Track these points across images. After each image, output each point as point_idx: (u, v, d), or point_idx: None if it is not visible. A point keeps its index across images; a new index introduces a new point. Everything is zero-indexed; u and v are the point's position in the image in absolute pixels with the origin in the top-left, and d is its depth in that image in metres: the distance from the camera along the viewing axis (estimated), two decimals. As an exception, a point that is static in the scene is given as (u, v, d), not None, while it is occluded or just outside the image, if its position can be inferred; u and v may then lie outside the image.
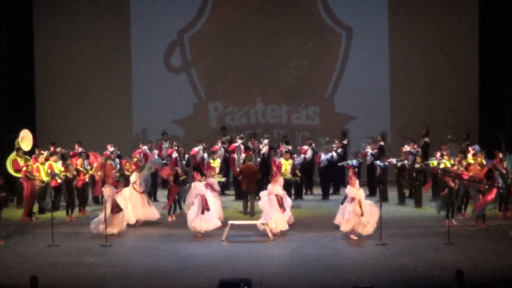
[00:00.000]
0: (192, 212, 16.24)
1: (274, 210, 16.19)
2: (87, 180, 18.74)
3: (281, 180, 17.50)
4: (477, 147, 19.89)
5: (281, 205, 16.36)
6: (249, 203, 18.40)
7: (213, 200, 17.09)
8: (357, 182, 16.16)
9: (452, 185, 17.13)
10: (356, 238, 15.76)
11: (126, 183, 18.07)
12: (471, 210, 17.90)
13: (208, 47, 24.23)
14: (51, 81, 23.73)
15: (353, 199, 15.85)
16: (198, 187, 16.44)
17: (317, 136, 23.55)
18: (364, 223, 15.77)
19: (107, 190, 16.33)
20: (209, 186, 17.25)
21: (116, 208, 16.37)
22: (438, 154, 19.60)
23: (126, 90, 24.03)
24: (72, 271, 13.62)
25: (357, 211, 15.72)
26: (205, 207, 16.13)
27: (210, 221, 16.20)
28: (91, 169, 19.08)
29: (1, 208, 16.82)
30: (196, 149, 20.89)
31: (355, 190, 15.98)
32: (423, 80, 23.94)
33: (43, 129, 23.04)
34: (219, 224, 16.33)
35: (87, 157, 19.73)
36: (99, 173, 18.02)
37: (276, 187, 16.50)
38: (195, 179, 16.69)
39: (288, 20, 23.99)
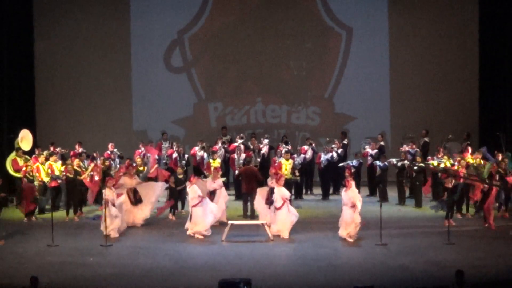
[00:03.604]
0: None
1: (281, 212, 16.15)
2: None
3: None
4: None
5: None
6: (249, 205, 18.32)
7: (218, 201, 17.09)
8: (353, 184, 16.08)
9: (450, 186, 17.15)
10: (351, 240, 15.70)
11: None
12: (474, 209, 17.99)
13: (208, 47, 24.24)
14: (51, 81, 23.74)
15: (352, 205, 15.74)
16: (194, 189, 16.38)
17: (317, 136, 23.55)
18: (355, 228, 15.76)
19: (106, 193, 16.21)
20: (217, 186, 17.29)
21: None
22: (439, 154, 19.62)
23: (126, 90, 24.03)
24: (72, 271, 13.61)
25: (357, 219, 15.67)
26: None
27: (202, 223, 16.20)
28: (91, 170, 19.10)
29: (1, 208, 16.83)
30: (196, 148, 20.91)
31: (351, 193, 15.86)
32: (423, 80, 23.95)
33: (43, 129, 23.06)
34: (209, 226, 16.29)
35: (87, 157, 19.74)
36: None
37: (281, 189, 16.37)
38: (191, 182, 16.58)
39: (288, 20, 24.00)
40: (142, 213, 17.48)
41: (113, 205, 16.17)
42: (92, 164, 18.86)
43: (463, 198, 18.10)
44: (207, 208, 16.24)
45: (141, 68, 24.00)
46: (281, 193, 16.27)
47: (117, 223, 16.23)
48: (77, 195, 18.47)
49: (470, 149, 19.64)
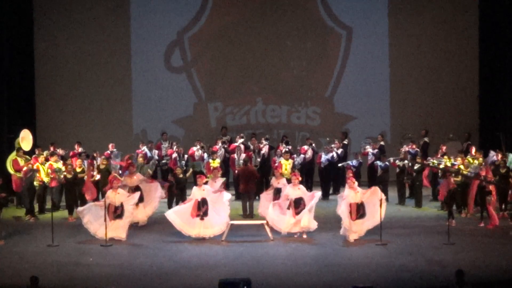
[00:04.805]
0: (183, 215, 16.11)
1: (286, 213, 16.09)
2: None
3: (283, 181, 17.43)
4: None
5: (295, 207, 16.05)
6: (248, 204, 18.32)
7: (221, 204, 16.47)
8: (355, 184, 16.09)
9: (451, 186, 17.18)
10: (351, 240, 15.71)
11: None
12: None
13: (208, 47, 24.23)
14: (51, 81, 23.73)
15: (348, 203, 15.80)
16: (193, 191, 16.26)
17: (317, 136, 23.54)
18: (354, 230, 15.73)
19: (108, 195, 16.10)
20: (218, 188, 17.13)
21: (113, 214, 15.97)
22: (439, 154, 19.64)
23: (126, 90, 24.03)
24: (72, 271, 13.62)
25: (352, 224, 15.70)
26: (196, 213, 15.94)
27: (203, 227, 15.96)
28: (91, 170, 19.13)
29: (1, 208, 16.83)
30: (194, 148, 20.91)
31: (353, 193, 15.88)
32: (423, 80, 23.96)
33: (43, 129, 23.06)
34: (216, 232, 16.01)
35: (87, 157, 19.75)
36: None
37: (294, 191, 16.23)
38: (198, 184, 16.37)
39: (288, 20, 24.00)
40: (144, 212, 17.41)
41: (116, 207, 16.02)
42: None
43: (466, 198, 18.09)
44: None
45: (141, 68, 24.00)
46: (287, 192, 16.25)
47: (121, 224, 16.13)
48: (75, 195, 18.46)
49: (474, 149, 19.64)
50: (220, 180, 17.56)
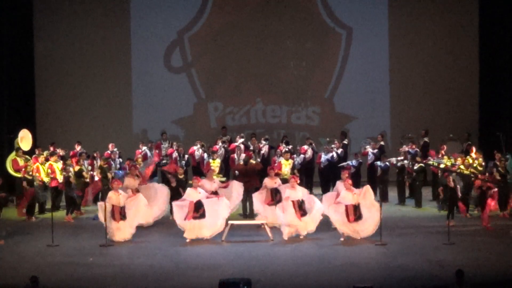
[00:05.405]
0: (179, 215, 16.08)
1: (288, 215, 16.03)
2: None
3: (279, 180, 17.41)
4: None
5: (299, 209, 16.05)
6: (248, 203, 18.31)
7: (218, 205, 16.30)
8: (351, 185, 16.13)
9: (452, 185, 17.19)
10: (343, 239, 15.76)
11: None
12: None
13: (208, 47, 24.23)
14: (51, 81, 23.72)
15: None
16: (188, 193, 16.24)
17: (317, 136, 23.53)
18: (353, 229, 15.76)
19: (111, 196, 16.08)
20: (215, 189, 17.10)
21: (120, 215, 15.94)
22: (440, 154, 19.64)
23: (126, 90, 24.02)
24: (72, 271, 13.63)
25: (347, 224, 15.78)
26: (192, 215, 15.89)
27: (199, 228, 15.94)
28: (91, 170, 19.16)
29: (1, 208, 16.83)
30: (194, 148, 20.91)
31: (350, 195, 15.90)
32: (423, 80, 23.94)
33: (43, 129, 23.05)
34: (207, 235, 15.97)
35: (88, 157, 19.75)
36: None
37: (296, 193, 16.22)
38: (193, 186, 16.40)
39: (288, 20, 23.98)
40: (152, 212, 17.30)
41: (121, 207, 15.97)
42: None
43: (468, 199, 18.13)
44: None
45: (141, 68, 23.98)
46: (288, 194, 16.21)
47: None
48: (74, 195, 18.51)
49: (474, 149, 19.64)
50: (218, 180, 17.58)
